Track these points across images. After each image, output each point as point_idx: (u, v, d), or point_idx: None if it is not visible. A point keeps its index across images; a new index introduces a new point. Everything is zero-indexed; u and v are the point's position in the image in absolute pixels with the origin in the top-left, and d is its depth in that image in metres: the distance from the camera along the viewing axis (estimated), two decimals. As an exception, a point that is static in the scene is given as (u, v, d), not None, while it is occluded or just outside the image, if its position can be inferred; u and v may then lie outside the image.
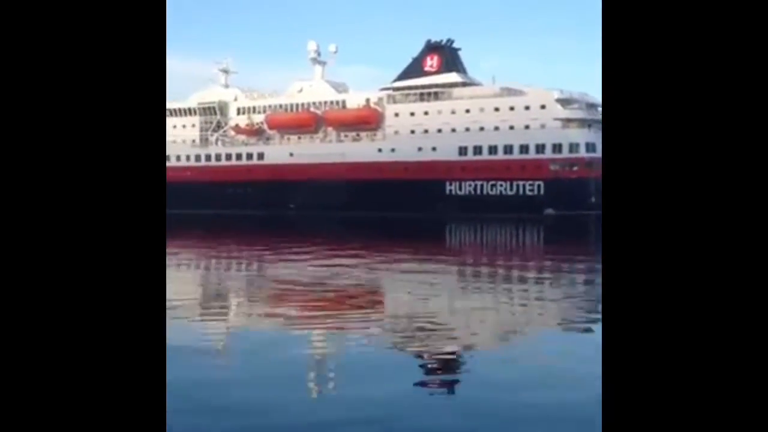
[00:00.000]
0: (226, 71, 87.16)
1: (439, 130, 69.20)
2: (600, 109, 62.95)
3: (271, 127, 79.09)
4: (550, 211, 60.71)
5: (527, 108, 64.65)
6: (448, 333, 12.91)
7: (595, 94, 66.02)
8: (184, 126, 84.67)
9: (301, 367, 10.25)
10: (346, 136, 75.41)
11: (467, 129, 67.68)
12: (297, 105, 78.67)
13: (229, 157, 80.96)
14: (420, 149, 69.36)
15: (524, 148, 64.47)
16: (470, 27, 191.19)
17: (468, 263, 28.20)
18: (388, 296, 18.63)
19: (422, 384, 9.46)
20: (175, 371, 6.72)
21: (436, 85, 70.55)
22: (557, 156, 63.20)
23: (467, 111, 67.72)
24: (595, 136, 60.89)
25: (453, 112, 68.54)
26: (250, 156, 79.54)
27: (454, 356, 11.13)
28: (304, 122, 76.80)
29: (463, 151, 67.47)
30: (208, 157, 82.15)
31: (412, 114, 70.94)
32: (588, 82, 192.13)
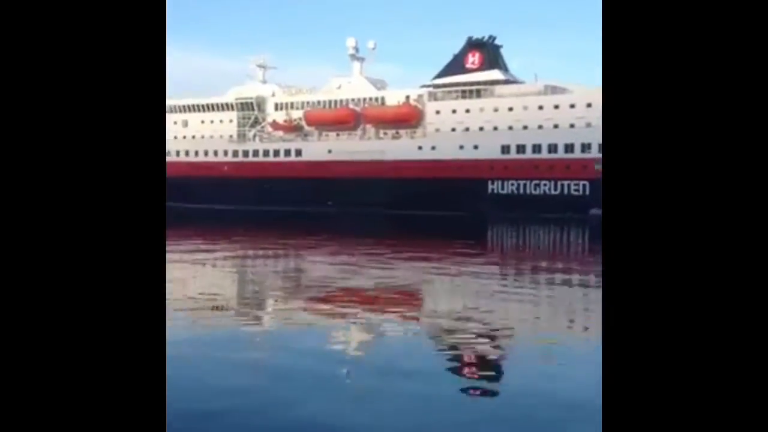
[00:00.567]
0: (263, 67, 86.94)
1: (481, 128, 68.38)
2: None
3: (309, 124, 78.68)
4: (595, 211, 59.71)
5: (572, 106, 63.63)
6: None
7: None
8: (221, 121, 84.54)
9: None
10: (385, 133, 74.83)
11: (510, 127, 66.80)
12: (335, 101, 78.20)
13: (266, 153, 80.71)
14: (461, 147, 68.60)
15: (569, 147, 63.47)
16: (503, 27, 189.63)
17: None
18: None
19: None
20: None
21: (478, 83, 69.72)
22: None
23: (510, 109, 66.82)
24: (643, 136, 59.65)
25: (495, 110, 67.69)
26: (288, 152, 79.24)
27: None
28: (343, 119, 76.28)
29: (505, 149, 66.62)
30: (245, 153, 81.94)
31: (454, 111, 70.17)
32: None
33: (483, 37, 71.20)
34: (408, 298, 18.42)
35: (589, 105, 63.04)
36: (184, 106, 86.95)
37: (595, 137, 62.49)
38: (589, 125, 62.79)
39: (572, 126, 63.47)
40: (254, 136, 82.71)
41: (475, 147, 67.91)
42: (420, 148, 71.07)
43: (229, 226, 49.70)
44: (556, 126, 64.42)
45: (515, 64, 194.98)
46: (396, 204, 65.76)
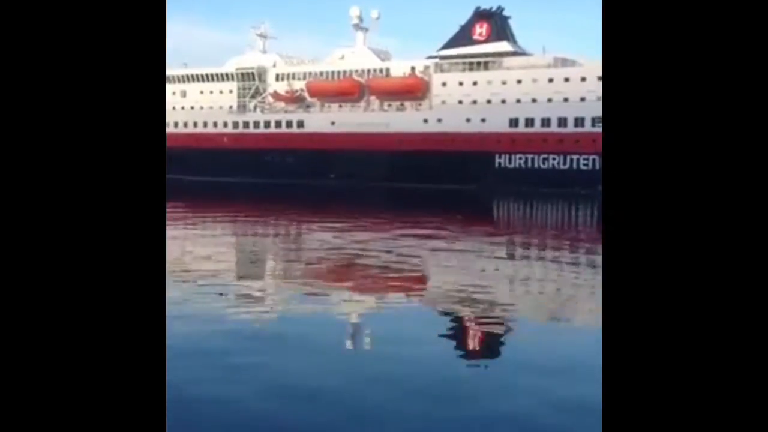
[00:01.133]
0: (263, 36, 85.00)
1: (489, 101, 67.00)
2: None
3: (312, 95, 77.03)
4: (605, 186, 58.61)
5: (583, 79, 62.17)
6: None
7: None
8: (221, 92, 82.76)
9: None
10: (389, 105, 73.31)
11: (518, 100, 65.44)
12: (339, 72, 76.51)
13: (267, 124, 79.10)
14: (468, 120, 67.21)
15: (579, 121, 62.13)
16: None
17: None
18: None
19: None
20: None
21: (486, 54, 68.19)
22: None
23: (519, 81, 65.40)
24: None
25: (504, 83, 66.27)
26: (289, 124, 77.66)
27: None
28: (347, 90, 74.63)
29: (513, 122, 65.30)
30: (245, 124, 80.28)
31: (461, 84, 68.69)
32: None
33: (491, 8, 69.55)
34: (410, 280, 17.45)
35: (600, 78, 61.62)
36: (182, 76, 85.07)
37: (606, 111, 61.22)
38: (600, 98, 61.43)
39: (583, 99, 62.05)
40: (255, 107, 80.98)
41: (483, 120, 66.53)
42: (426, 120, 69.64)
43: (227, 199, 48.32)
44: (566, 99, 63.06)
45: (520, 37, 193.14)
46: (400, 177, 64.49)
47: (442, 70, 70.29)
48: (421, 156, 66.95)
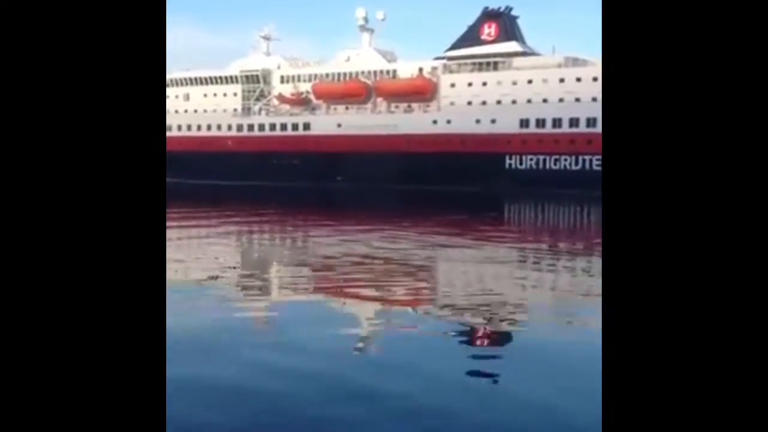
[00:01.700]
0: (267, 38, 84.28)
1: (499, 102, 66.29)
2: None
3: (318, 97, 76.22)
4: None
5: (595, 79, 61.44)
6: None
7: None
8: (225, 94, 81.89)
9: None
10: (396, 107, 72.56)
11: (529, 101, 64.74)
12: (345, 74, 75.74)
13: (273, 127, 78.26)
14: (478, 121, 66.49)
15: (591, 122, 61.43)
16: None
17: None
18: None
19: None
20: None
21: (495, 55, 67.52)
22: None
23: (530, 82, 64.72)
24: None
25: (514, 83, 65.58)
26: (295, 126, 76.83)
27: None
28: (354, 92, 73.86)
29: (524, 123, 64.60)
30: (250, 127, 79.45)
31: (470, 84, 67.99)
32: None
33: (499, 8, 68.90)
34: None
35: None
36: (185, 79, 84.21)
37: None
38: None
39: (594, 99, 61.27)
40: (260, 109, 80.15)
41: (493, 121, 65.84)
42: (435, 122, 68.91)
43: (231, 202, 47.43)
44: (577, 99, 62.36)
45: (528, 37, 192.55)
46: (408, 179, 63.71)
47: (450, 71, 69.58)
48: (429, 158, 66.20)
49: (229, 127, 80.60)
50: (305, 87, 77.40)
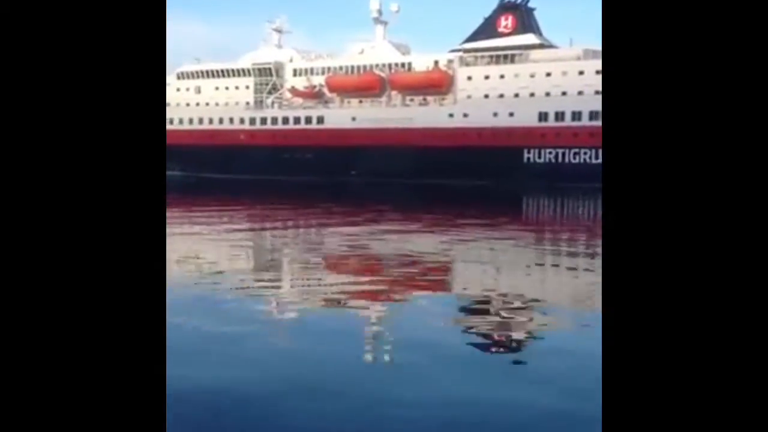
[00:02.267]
0: (279, 31, 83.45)
1: (516, 95, 65.53)
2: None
3: (331, 90, 75.48)
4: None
5: (615, 72, 60.64)
6: None
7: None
8: (237, 87, 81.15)
9: None
10: (411, 100, 71.82)
11: (547, 94, 64.00)
12: (359, 67, 74.98)
13: (286, 120, 77.55)
14: (496, 115, 65.75)
15: (612, 115, 60.60)
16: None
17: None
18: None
19: None
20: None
21: (512, 47, 66.75)
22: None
23: (548, 74, 63.97)
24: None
25: (532, 76, 64.80)
26: (308, 120, 76.13)
27: None
28: (369, 85, 73.10)
29: (543, 116, 63.85)
30: (263, 120, 78.74)
31: (487, 77, 67.23)
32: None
33: (516, 0, 68.08)
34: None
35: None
36: (196, 72, 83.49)
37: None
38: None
39: (615, 92, 60.56)
40: (272, 103, 79.41)
41: (511, 114, 65.09)
42: (451, 115, 68.16)
43: (245, 197, 46.68)
44: (597, 92, 61.53)
45: (545, 30, 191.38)
46: (424, 174, 62.99)
47: (466, 64, 68.82)
48: (446, 152, 65.49)
49: (242, 121, 79.92)
50: (318, 80, 76.65)
